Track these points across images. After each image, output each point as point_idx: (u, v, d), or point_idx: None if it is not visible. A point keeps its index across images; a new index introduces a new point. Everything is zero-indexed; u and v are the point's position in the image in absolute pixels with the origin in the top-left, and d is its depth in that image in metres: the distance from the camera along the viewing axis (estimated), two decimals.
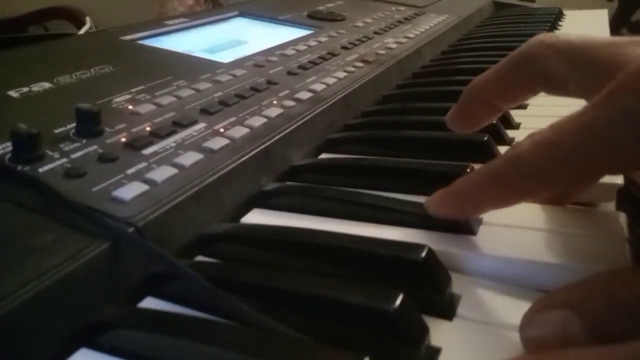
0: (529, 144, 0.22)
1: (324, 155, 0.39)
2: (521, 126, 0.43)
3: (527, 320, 0.19)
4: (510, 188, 0.23)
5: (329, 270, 0.24)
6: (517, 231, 0.26)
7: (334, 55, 0.53)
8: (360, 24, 0.66)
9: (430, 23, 0.72)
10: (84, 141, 0.31)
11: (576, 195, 0.29)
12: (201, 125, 0.34)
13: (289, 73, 0.46)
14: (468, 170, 0.30)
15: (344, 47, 0.55)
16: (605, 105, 0.20)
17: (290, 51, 0.52)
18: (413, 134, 0.39)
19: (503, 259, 0.24)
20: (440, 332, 0.21)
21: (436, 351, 0.20)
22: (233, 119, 0.36)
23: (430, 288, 0.22)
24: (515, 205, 0.28)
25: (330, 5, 0.75)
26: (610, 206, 0.31)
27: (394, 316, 0.19)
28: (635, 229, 0.27)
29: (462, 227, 0.26)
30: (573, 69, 0.25)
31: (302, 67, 0.48)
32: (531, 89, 0.27)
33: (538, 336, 0.19)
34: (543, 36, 0.27)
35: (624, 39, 0.24)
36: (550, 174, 0.21)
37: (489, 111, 0.29)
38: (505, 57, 0.28)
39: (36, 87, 0.37)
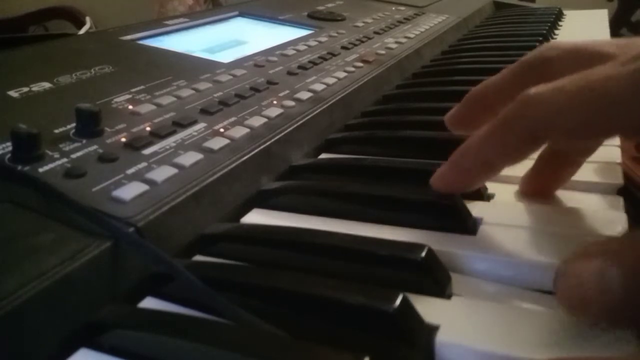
0: (543, 87, 0.22)
1: (324, 155, 0.39)
2: None
3: (563, 271, 0.18)
4: (518, 130, 0.23)
5: (329, 270, 0.24)
6: (516, 231, 0.26)
7: (334, 55, 0.52)
8: (360, 24, 0.66)
9: (430, 23, 0.72)
10: (84, 141, 0.31)
11: (564, 180, 0.29)
12: (201, 125, 0.34)
13: (289, 73, 0.46)
14: None
15: (344, 47, 0.55)
16: (631, 60, 0.21)
17: (290, 51, 0.52)
18: (413, 134, 0.39)
19: (503, 259, 0.24)
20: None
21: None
22: (233, 119, 0.36)
23: (431, 288, 0.22)
24: (515, 205, 0.28)
25: (330, 5, 0.75)
26: None
27: (394, 316, 0.19)
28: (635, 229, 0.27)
29: (462, 227, 0.26)
30: (582, 63, 0.25)
31: (302, 67, 0.48)
32: None
33: (573, 286, 0.18)
34: (553, 42, 0.28)
35: (633, 39, 0.25)
36: (562, 116, 0.21)
37: (489, 116, 0.30)
38: (515, 63, 0.28)
39: (36, 87, 0.37)
